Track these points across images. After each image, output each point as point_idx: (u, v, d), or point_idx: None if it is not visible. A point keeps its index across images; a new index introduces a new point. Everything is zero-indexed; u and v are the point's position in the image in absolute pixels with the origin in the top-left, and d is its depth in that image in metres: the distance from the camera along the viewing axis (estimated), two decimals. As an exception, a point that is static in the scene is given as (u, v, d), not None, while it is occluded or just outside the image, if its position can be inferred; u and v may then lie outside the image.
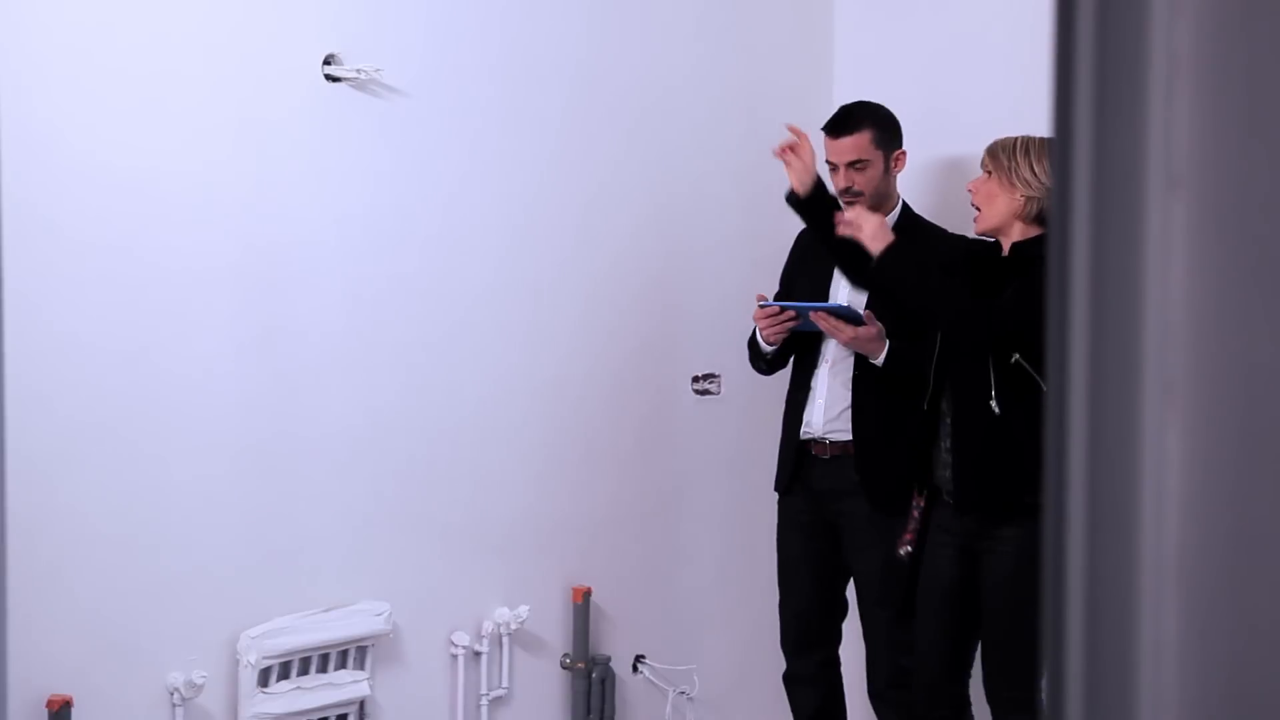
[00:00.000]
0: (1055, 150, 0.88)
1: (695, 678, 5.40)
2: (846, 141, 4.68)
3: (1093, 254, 0.84)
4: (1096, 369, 0.84)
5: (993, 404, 4.20)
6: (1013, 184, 4.26)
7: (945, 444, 4.35)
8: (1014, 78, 5.07)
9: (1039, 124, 4.97)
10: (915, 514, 4.40)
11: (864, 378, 4.64)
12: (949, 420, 4.33)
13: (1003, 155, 4.29)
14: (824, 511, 4.73)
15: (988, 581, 4.32)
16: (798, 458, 4.77)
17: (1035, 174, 4.24)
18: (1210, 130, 0.83)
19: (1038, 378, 4.17)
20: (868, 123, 4.69)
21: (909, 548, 4.41)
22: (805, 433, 4.74)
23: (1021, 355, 4.18)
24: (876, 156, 4.68)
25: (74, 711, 4.15)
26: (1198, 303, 0.83)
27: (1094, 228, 0.84)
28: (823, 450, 4.71)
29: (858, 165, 4.67)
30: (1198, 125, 0.83)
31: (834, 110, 4.86)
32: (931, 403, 4.38)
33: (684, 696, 5.39)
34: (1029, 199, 4.25)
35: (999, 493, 4.25)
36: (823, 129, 4.75)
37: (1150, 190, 0.83)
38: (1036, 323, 4.12)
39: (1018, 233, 4.30)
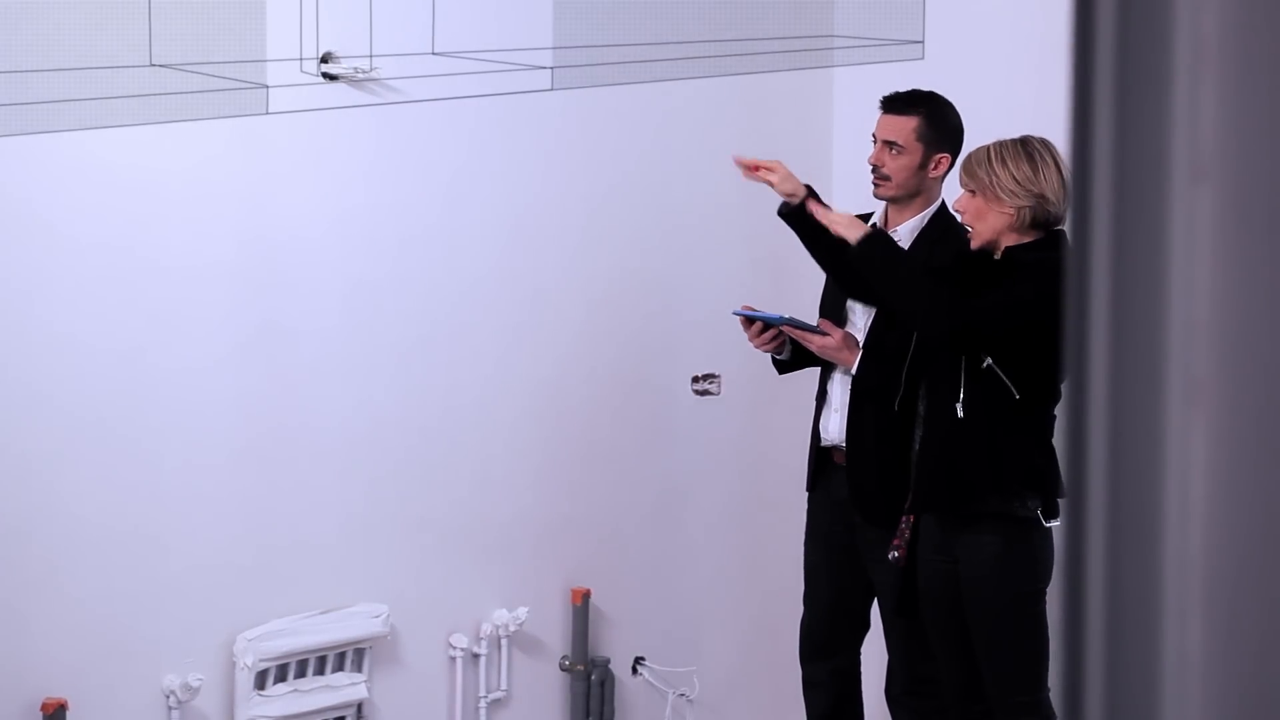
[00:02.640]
0: (1074, 141, 0.85)
1: (695, 679, 5.37)
2: (891, 120, 4.56)
3: (1114, 249, 0.81)
4: (1118, 368, 0.81)
5: (957, 407, 4.17)
6: (999, 198, 4.16)
7: (916, 446, 4.34)
8: (1026, 77, 5.04)
9: (1055, 122, 4.95)
10: (904, 518, 4.38)
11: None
12: (922, 421, 4.32)
13: (981, 171, 4.19)
14: (844, 521, 4.67)
15: (966, 589, 4.28)
16: (820, 462, 4.72)
17: (1017, 181, 4.15)
18: (1237, 119, 0.80)
19: (1009, 383, 4.15)
20: (920, 111, 4.54)
21: (896, 553, 4.37)
22: (825, 440, 4.69)
23: (994, 359, 4.15)
24: (915, 148, 4.53)
25: (69, 714, 4.14)
26: (1223, 299, 0.80)
27: (1115, 221, 0.81)
28: (841, 458, 4.64)
29: (893, 148, 4.55)
30: (1224, 114, 0.80)
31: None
32: (905, 404, 4.36)
33: (684, 698, 5.37)
34: (1019, 208, 4.16)
35: (957, 497, 4.24)
36: (879, 101, 4.66)
37: (1174, 182, 0.80)
38: (1014, 327, 4.09)
39: (1013, 241, 4.22)
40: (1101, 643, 0.82)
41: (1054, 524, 4.25)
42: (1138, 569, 0.81)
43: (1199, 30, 0.79)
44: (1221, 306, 0.80)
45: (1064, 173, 4.20)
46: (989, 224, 4.19)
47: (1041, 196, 4.15)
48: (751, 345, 4.63)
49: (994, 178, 4.16)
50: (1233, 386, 0.81)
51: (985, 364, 4.15)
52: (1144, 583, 0.81)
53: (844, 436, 4.57)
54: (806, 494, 4.82)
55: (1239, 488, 0.81)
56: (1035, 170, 4.15)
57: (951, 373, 4.20)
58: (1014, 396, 4.15)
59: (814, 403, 4.77)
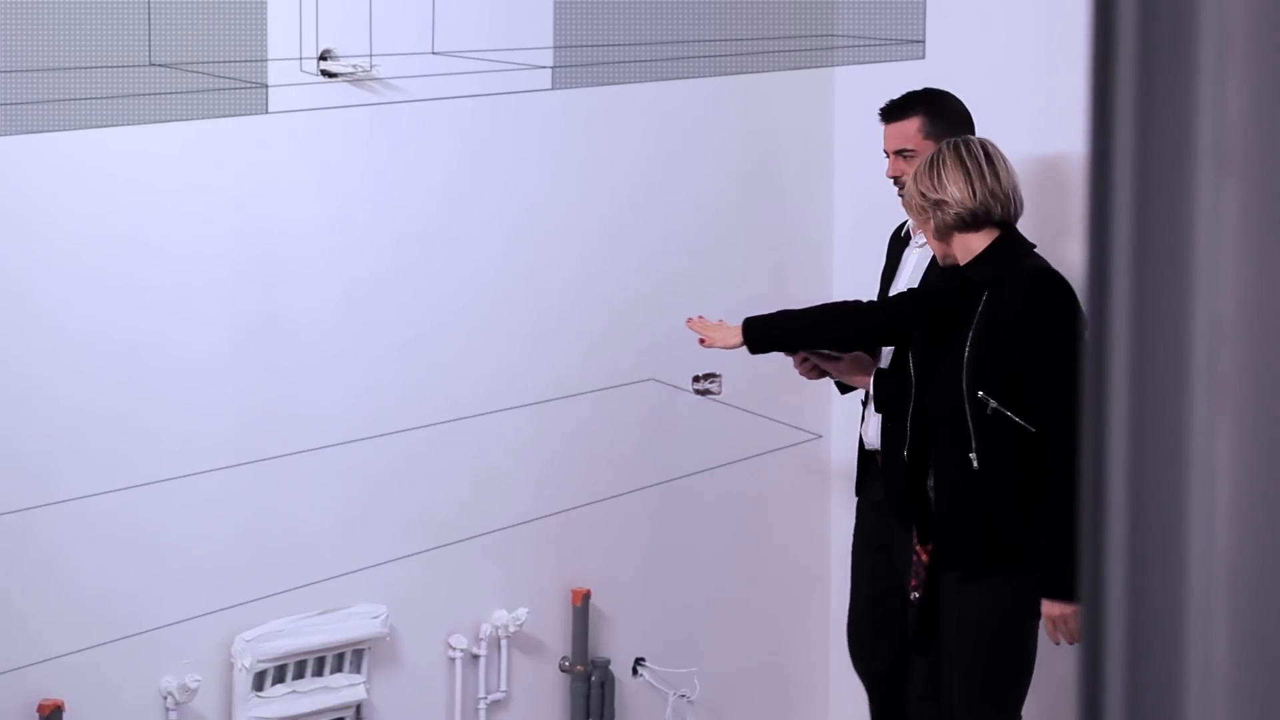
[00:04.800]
0: (1094, 134, 0.83)
1: (696, 680, 5.35)
2: (893, 128, 4.51)
3: (1136, 243, 0.78)
4: (1140, 368, 0.79)
5: (971, 457, 3.95)
6: (914, 213, 4.10)
7: (930, 483, 4.14)
8: (1028, 75, 5.02)
9: (1057, 120, 4.92)
10: (920, 557, 4.19)
11: None
12: (933, 475, 4.11)
13: (905, 193, 4.12)
14: (884, 523, 4.63)
15: (966, 604, 4.15)
16: (864, 465, 4.69)
17: (922, 194, 4.00)
18: (1264, 110, 0.77)
19: (1020, 422, 3.93)
20: (918, 111, 4.49)
21: (917, 593, 4.19)
22: (867, 445, 4.66)
23: (999, 399, 3.93)
24: (925, 146, 4.44)
25: (65, 716, 4.11)
26: (1250, 296, 0.78)
27: (1138, 215, 0.79)
28: (881, 462, 4.60)
29: (905, 154, 4.50)
30: (1251, 104, 0.77)
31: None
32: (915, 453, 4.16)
33: (684, 699, 5.35)
34: (925, 221, 4.03)
35: (988, 554, 4.01)
36: (878, 113, 4.62)
37: (1200, 174, 0.78)
38: (1001, 363, 3.90)
39: (959, 249, 4.04)
40: (1123, 652, 0.80)
41: None
42: (1161, 575, 0.79)
43: (1225, 16, 0.76)
44: (1248, 304, 0.78)
45: (970, 169, 4.00)
46: (928, 238, 4.13)
47: (939, 203, 3.98)
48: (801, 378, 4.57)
49: (908, 196, 4.09)
50: (1259, 386, 0.78)
51: (990, 408, 3.94)
52: (1167, 590, 0.79)
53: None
54: (855, 497, 4.81)
55: (1265, 491, 0.78)
56: (935, 178, 4.00)
57: (958, 419, 3.98)
58: (1029, 432, 3.92)
59: (848, 407, 4.75)
